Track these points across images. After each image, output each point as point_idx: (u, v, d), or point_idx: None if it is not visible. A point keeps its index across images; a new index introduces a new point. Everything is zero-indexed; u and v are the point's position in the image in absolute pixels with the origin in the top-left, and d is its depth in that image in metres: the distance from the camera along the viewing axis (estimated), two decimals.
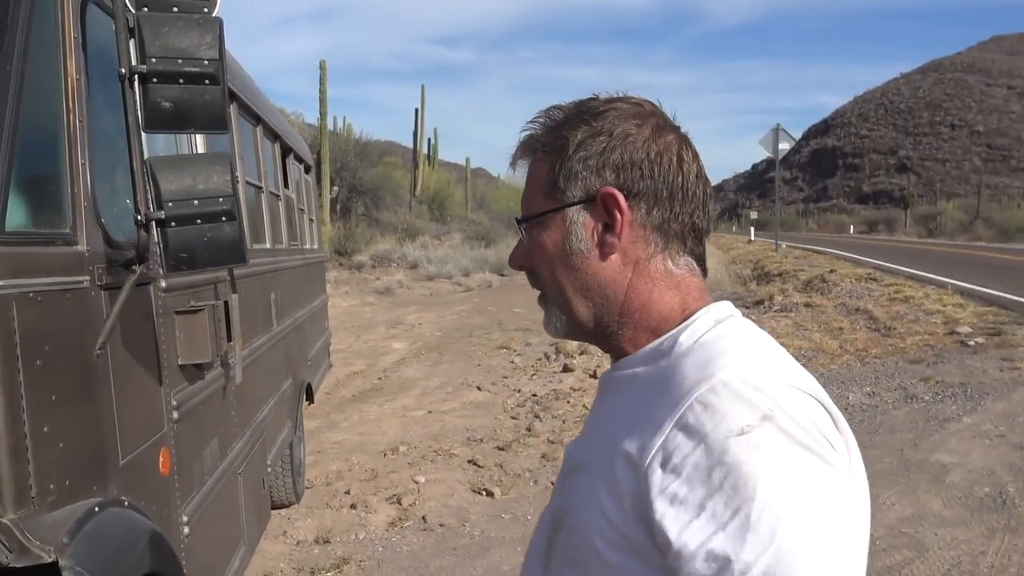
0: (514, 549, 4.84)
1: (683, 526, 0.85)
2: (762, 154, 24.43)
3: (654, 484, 0.88)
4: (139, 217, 2.12)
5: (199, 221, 2.09)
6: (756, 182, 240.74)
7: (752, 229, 46.42)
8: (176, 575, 2.38)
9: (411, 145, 40.95)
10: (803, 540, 0.81)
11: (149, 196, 2.12)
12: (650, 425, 0.91)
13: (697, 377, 0.91)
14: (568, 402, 8.23)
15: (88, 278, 2.10)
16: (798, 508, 0.82)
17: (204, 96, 2.10)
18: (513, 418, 7.85)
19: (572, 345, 11.15)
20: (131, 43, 2.09)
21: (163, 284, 2.62)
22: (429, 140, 42.59)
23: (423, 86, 41.07)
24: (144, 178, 2.12)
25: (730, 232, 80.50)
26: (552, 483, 6.03)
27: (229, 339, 3.29)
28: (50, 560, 1.80)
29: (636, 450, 0.91)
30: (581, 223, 1.03)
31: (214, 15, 2.16)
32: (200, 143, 3.26)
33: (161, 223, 2.09)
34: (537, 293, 1.12)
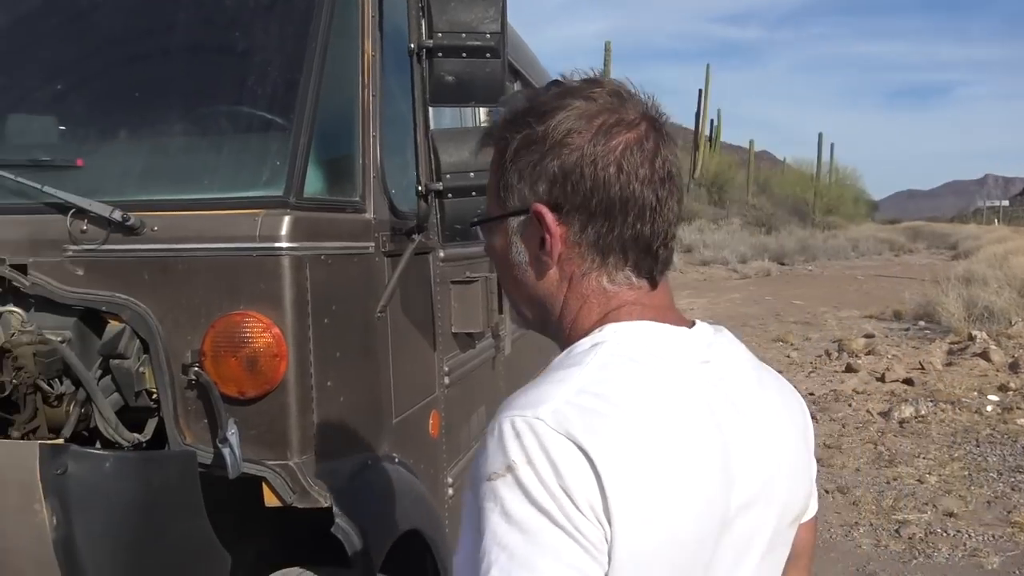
0: None
1: (456, 551, 0.90)
2: None
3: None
4: (420, 188, 2.20)
5: (474, 194, 2.12)
6: None
7: None
8: (438, 534, 2.47)
9: (692, 126, 40.12)
10: None
11: (431, 168, 2.19)
12: None
13: (503, 407, 0.89)
14: (849, 405, 7.59)
15: (373, 244, 2.22)
16: (503, 564, 0.80)
17: (485, 70, 2.12)
18: None
19: (858, 343, 10.29)
20: (421, 19, 2.16)
21: (441, 254, 2.72)
22: (712, 121, 41.44)
23: (708, 65, 39.95)
24: (427, 150, 2.19)
25: None
26: (824, 491, 5.60)
27: (500, 311, 3.37)
28: (326, 505, 1.93)
29: None
30: (520, 236, 1.00)
31: None
32: (484, 118, 3.35)
33: (439, 194, 2.15)
34: None
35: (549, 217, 0.95)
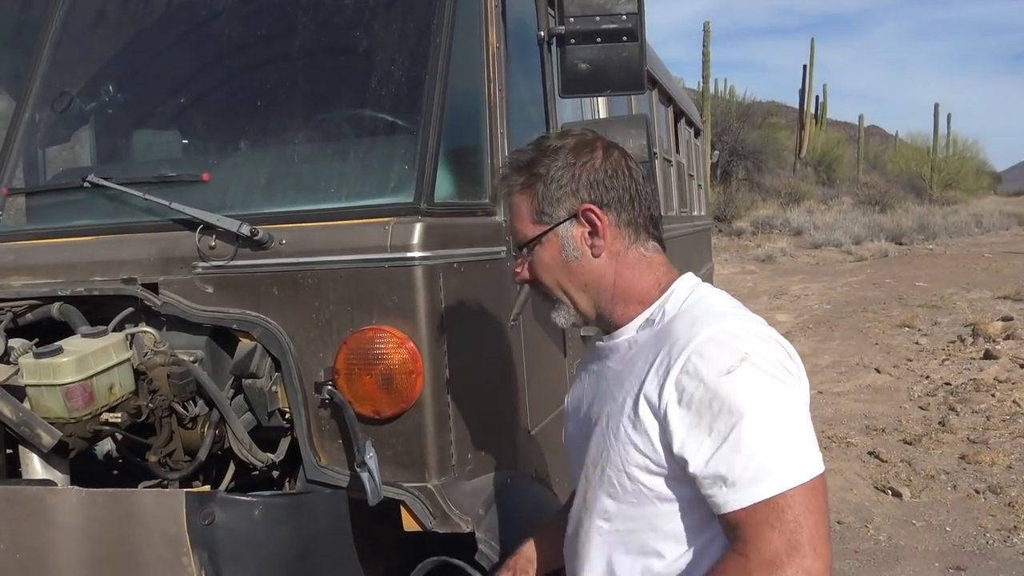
0: (930, 564, 4.20)
1: (697, 445, 1.20)
2: None
3: (672, 418, 1.22)
4: None
5: None
6: None
7: None
8: None
9: (797, 105, 38.67)
10: (775, 442, 1.18)
11: None
12: (660, 374, 1.24)
13: (689, 335, 1.24)
14: (993, 395, 7.03)
15: (505, 248, 2.09)
16: (771, 419, 1.19)
17: (622, 54, 1.96)
18: (921, 408, 6.91)
19: (995, 327, 9.58)
20: (549, 5, 2.01)
21: None
22: (817, 98, 39.79)
23: (812, 40, 38.23)
24: None
25: None
26: (975, 491, 5.18)
27: None
28: (467, 530, 1.82)
29: (655, 395, 1.24)
30: (571, 235, 1.34)
31: None
32: (602, 109, 3.17)
33: None
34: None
35: (597, 209, 1.32)
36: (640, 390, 1.26)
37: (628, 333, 1.36)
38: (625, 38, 1.94)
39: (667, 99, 5.43)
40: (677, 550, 1.29)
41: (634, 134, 1.96)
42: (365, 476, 1.72)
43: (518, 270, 1.39)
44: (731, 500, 1.17)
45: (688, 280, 1.37)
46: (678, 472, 1.23)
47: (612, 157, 1.34)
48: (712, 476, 1.18)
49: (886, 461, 5.66)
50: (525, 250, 1.37)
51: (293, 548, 1.60)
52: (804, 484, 1.16)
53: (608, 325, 1.39)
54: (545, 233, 1.34)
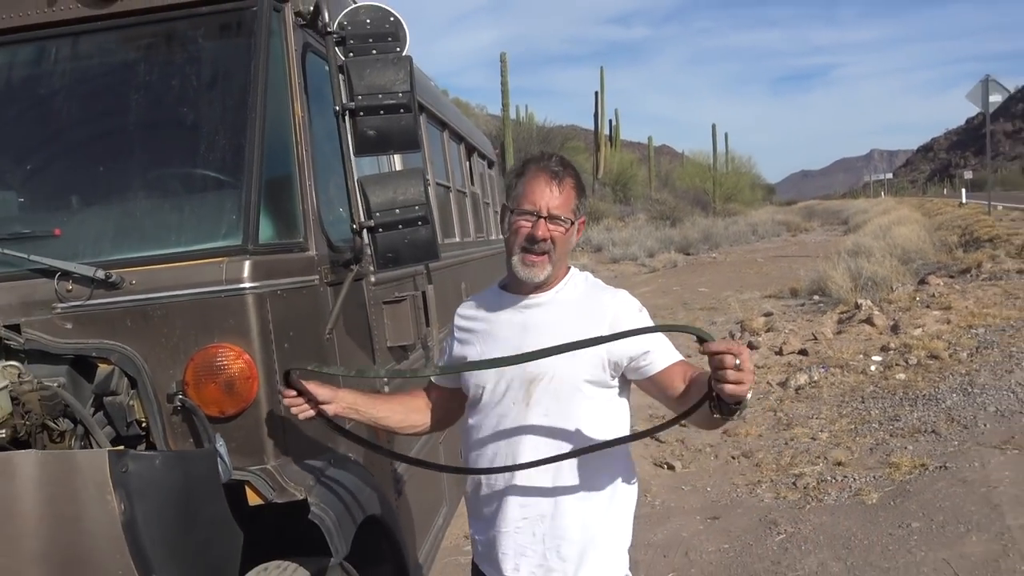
0: (692, 517, 5.08)
1: (642, 342, 2.07)
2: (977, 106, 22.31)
3: (618, 341, 2.00)
4: (354, 226, 2.60)
5: (400, 226, 2.55)
6: (972, 138, 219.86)
7: (963, 191, 42.68)
8: (392, 520, 2.87)
9: (592, 128, 41.18)
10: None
11: (360, 208, 2.60)
12: (599, 319, 2.09)
13: (614, 297, 2.19)
14: None
15: (318, 277, 2.61)
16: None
17: (400, 123, 2.55)
18: None
19: (758, 322, 11.07)
20: (342, 85, 2.57)
21: (372, 279, 3.13)
22: (610, 121, 42.59)
23: (602, 68, 41.14)
24: (357, 194, 2.60)
25: (940, 196, 74.06)
26: (732, 457, 6.19)
27: (427, 324, 3.79)
28: (301, 498, 2.32)
29: (604, 329, 2.02)
30: (577, 228, 2.20)
31: (404, 54, 2.59)
32: (397, 159, 3.76)
33: (371, 230, 2.56)
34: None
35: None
36: (585, 329, 2.01)
37: (549, 296, 2.18)
38: (402, 110, 2.54)
39: (458, 138, 6.11)
40: (586, 424, 2.11)
41: (413, 183, 2.56)
42: (217, 459, 2.18)
43: (541, 233, 2.10)
44: (668, 356, 2.08)
45: (575, 268, 2.27)
46: (610, 383, 2.11)
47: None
48: (649, 349, 2.07)
49: (664, 442, 6.59)
50: (559, 222, 2.12)
51: (182, 487, 2.05)
52: None
53: (536, 287, 2.17)
54: (576, 220, 2.18)
